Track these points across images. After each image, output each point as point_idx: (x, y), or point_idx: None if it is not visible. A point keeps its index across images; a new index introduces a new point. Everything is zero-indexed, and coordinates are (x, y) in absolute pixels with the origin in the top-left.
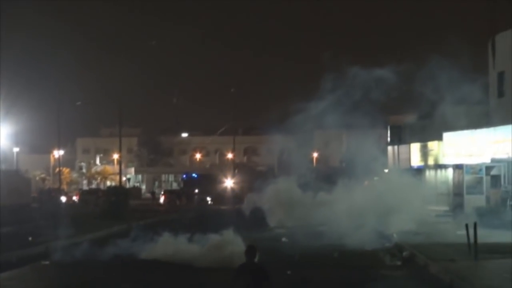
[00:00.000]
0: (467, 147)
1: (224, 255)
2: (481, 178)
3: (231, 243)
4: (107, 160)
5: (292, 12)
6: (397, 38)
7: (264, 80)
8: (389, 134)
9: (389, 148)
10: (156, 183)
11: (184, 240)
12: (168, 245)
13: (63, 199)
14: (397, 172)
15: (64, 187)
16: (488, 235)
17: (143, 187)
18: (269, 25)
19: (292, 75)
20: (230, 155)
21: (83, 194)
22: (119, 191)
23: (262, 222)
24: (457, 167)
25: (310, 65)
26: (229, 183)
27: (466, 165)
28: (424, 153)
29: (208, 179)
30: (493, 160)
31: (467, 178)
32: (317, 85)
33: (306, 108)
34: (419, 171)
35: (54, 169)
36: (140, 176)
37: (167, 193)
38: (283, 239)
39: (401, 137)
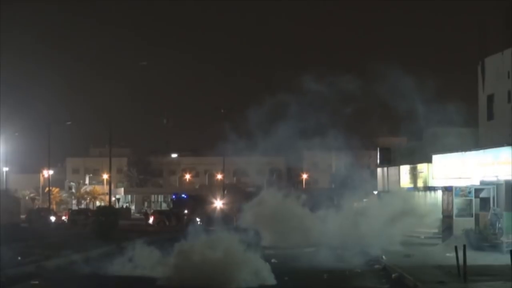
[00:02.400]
0: (456, 170)
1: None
2: (471, 200)
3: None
4: (96, 180)
5: (285, 36)
6: (383, 60)
7: (254, 100)
8: (378, 156)
9: (379, 170)
10: (146, 203)
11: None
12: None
13: (53, 219)
14: (393, 193)
15: (54, 207)
16: (477, 258)
17: (133, 207)
18: (263, 47)
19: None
20: (219, 176)
21: (72, 214)
22: (109, 211)
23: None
24: (447, 189)
25: (295, 86)
26: (218, 204)
27: (456, 187)
28: (414, 175)
29: (197, 200)
30: (482, 183)
31: (456, 200)
32: (303, 107)
33: (295, 128)
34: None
35: (43, 188)
36: (129, 197)
37: (157, 213)
38: (273, 260)
39: (390, 159)
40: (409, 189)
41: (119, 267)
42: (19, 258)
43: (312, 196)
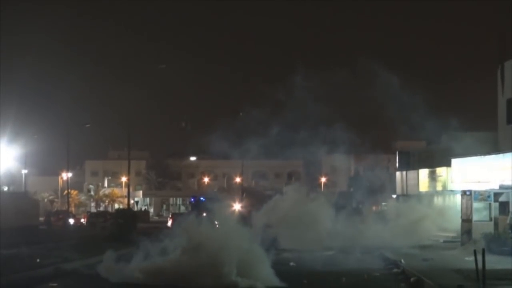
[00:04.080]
0: (475, 173)
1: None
2: (490, 204)
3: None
4: (115, 182)
5: (298, 40)
6: (403, 63)
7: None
8: (397, 160)
9: (398, 173)
10: (164, 206)
11: None
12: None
13: (71, 221)
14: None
15: (72, 209)
16: (496, 262)
17: (151, 210)
18: (280, 50)
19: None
20: (238, 179)
21: (91, 216)
22: (127, 213)
23: (272, 243)
24: (465, 193)
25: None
26: (237, 207)
27: (475, 191)
28: (433, 179)
29: (215, 203)
30: (501, 187)
31: (476, 204)
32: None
33: (314, 133)
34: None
35: (62, 191)
36: (148, 199)
37: (175, 216)
38: (291, 263)
39: (409, 163)
40: (428, 193)
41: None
42: (38, 260)
43: (330, 199)
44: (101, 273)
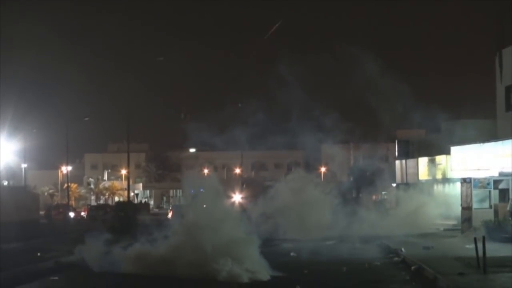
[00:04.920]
0: (475, 161)
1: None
2: (489, 191)
3: None
4: (115, 175)
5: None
6: (401, 51)
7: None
8: (397, 149)
9: (397, 162)
10: (164, 198)
11: None
12: None
13: (72, 214)
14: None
15: (73, 202)
16: (496, 249)
17: (151, 202)
18: (277, 37)
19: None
20: (237, 170)
21: (91, 209)
22: (128, 206)
23: (272, 233)
24: (465, 181)
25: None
26: (237, 198)
27: (474, 179)
28: (432, 167)
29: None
30: (501, 174)
31: (475, 192)
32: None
33: (312, 122)
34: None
35: (62, 185)
36: (148, 192)
37: (175, 207)
38: (292, 254)
39: (409, 152)
40: (427, 181)
41: None
42: (39, 254)
43: (331, 189)
44: (88, 261)
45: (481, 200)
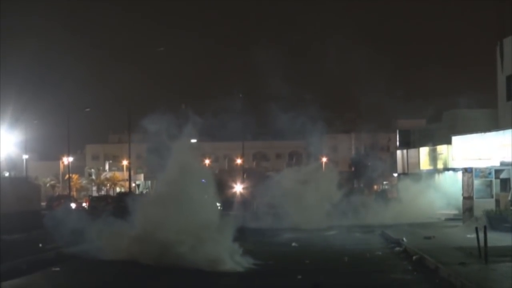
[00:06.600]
0: (476, 151)
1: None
2: (491, 181)
3: None
4: (116, 166)
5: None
6: (402, 42)
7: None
8: (398, 138)
9: (398, 152)
10: None
11: None
12: None
13: (73, 205)
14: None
15: (74, 193)
16: (498, 239)
17: None
18: (280, 28)
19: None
20: (239, 161)
21: (92, 200)
22: (129, 197)
23: (272, 223)
24: (466, 171)
25: (318, 67)
26: (238, 188)
27: (475, 169)
28: (433, 157)
29: (217, 185)
30: (502, 163)
31: (477, 181)
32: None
33: (314, 111)
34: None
35: (63, 176)
36: (149, 182)
37: None
38: (293, 244)
39: (410, 141)
40: (429, 171)
41: None
42: (40, 245)
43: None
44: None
45: (482, 190)
